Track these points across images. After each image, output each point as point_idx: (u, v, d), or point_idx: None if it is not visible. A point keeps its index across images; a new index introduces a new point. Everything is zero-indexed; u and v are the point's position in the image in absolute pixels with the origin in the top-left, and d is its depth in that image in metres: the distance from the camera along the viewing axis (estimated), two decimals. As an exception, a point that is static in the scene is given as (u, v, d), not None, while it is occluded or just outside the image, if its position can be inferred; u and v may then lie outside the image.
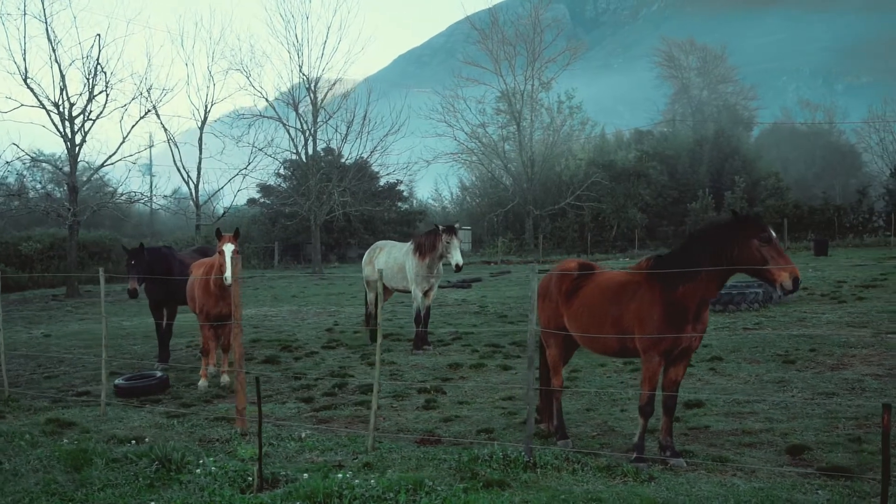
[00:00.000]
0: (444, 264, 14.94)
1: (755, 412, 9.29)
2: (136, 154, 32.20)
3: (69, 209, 31.08)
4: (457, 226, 14.83)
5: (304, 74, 41.47)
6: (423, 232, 15.82)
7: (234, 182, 41.62)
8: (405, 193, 58.02)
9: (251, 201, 52.37)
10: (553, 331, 8.23)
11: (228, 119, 39.50)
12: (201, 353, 12.38)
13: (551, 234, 51.72)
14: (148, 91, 34.06)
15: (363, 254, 16.80)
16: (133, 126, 33.58)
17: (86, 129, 31.38)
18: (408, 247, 15.13)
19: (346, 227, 49.02)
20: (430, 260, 14.51)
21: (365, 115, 41.01)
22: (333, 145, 43.31)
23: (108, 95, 31.66)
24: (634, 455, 7.50)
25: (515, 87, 55.45)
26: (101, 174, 34.19)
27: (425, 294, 14.89)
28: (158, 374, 12.27)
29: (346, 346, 15.80)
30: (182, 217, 42.03)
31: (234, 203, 45.91)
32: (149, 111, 33.79)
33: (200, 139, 35.50)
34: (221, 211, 49.82)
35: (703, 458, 7.61)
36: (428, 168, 54.35)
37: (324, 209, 40.68)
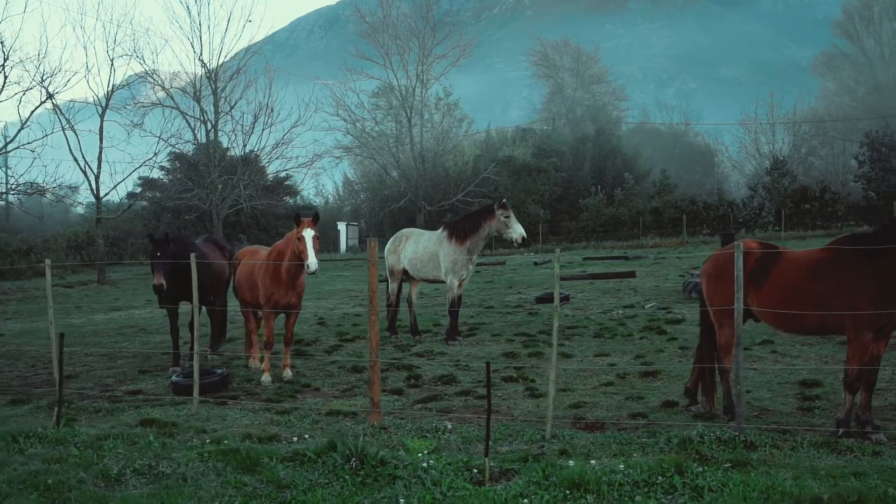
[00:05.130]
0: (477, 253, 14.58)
1: (882, 389, 9.59)
2: (37, 141, 29.62)
3: (-38, 200, 28.35)
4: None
5: (203, 62, 39.65)
6: (461, 216, 15.38)
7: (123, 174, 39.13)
8: (294, 188, 56.52)
9: (131, 195, 49.61)
10: (752, 308, 8.17)
11: (127, 109, 37.11)
12: (264, 347, 11.60)
13: (453, 229, 51.77)
14: (44, 76, 31.46)
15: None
16: (32, 112, 30.89)
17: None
18: (439, 234, 14.64)
19: (238, 222, 47.29)
20: (471, 244, 14.06)
21: (272, 109, 39.72)
22: (238, 137, 41.71)
23: (6, 77, 29.09)
24: (841, 430, 7.59)
25: (408, 83, 55.21)
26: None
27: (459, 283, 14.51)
28: (218, 370, 11.40)
29: (363, 339, 15.22)
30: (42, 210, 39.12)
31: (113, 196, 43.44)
32: (50, 96, 31.21)
33: (101, 128, 33.20)
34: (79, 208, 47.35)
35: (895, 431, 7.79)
36: (311, 162, 53.11)
37: (226, 203, 39.05)
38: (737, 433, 7.50)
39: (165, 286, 12.08)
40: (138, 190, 50.27)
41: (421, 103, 57.04)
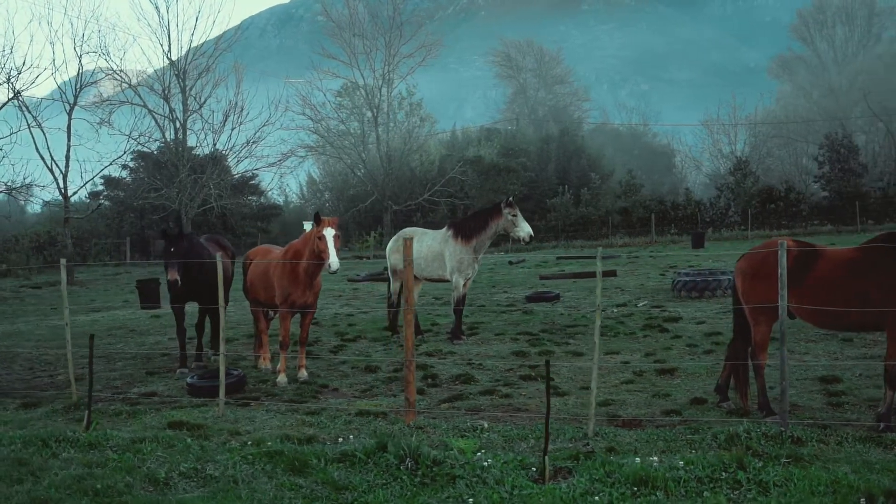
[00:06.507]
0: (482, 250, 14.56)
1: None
2: (3, 139, 28.89)
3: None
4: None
5: (171, 60, 39.02)
6: (467, 215, 15.36)
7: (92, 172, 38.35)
8: (260, 187, 55.84)
9: (94, 194, 48.62)
10: (795, 305, 8.27)
11: (95, 106, 36.37)
12: (279, 347, 11.47)
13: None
14: (10, 73, 30.69)
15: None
16: (0, 108, 30.07)
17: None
18: (444, 233, 14.61)
19: (205, 221, 46.65)
20: (477, 243, 14.08)
21: (242, 108, 39.34)
22: (208, 135, 41.16)
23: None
24: (882, 425, 7.73)
25: (374, 83, 54.97)
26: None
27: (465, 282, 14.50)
28: (234, 371, 11.23)
29: (366, 339, 15.15)
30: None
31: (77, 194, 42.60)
32: (17, 93, 30.44)
33: (69, 126, 32.51)
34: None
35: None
36: (280, 161, 52.52)
37: (195, 202, 38.50)
38: (783, 429, 7.60)
39: (180, 282, 11.86)
40: (100, 189, 49.32)
41: (386, 102, 56.90)
